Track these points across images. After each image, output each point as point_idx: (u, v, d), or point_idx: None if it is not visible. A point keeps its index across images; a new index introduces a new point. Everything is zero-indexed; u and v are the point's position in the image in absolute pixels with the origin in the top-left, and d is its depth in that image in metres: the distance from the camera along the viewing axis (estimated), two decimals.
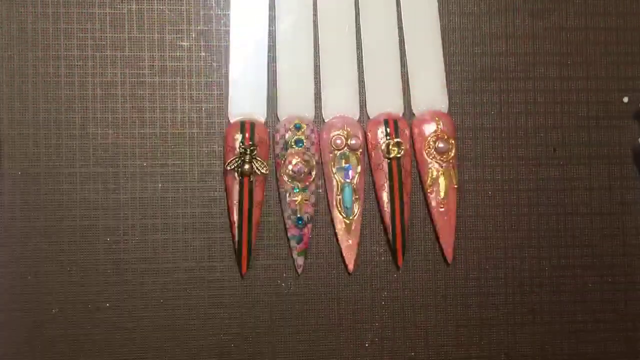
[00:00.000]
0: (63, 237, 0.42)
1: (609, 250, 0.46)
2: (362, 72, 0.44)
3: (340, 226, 0.43)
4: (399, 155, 0.43)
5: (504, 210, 0.45)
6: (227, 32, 0.44)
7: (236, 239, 0.42)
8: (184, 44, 0.43)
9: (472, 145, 0.45)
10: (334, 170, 0.43)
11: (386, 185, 0.43)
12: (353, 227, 0.43)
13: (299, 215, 0.42)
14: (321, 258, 0.44)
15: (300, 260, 0.43)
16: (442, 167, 0.43)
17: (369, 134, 0.43)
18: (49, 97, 0.42)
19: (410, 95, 0.45)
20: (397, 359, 0.44)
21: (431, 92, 0.45)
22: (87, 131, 0.42)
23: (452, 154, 0.43)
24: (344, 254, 0.43)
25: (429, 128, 0.43)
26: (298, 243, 0.43)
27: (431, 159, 0.43)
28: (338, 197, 0.43)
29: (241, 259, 0.42)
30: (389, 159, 0.43)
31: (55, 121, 0.42)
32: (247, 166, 0.41)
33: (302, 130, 0.42)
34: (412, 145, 0.44)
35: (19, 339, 0.42)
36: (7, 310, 0.42)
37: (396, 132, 0.43)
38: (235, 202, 0.42)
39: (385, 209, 0.43)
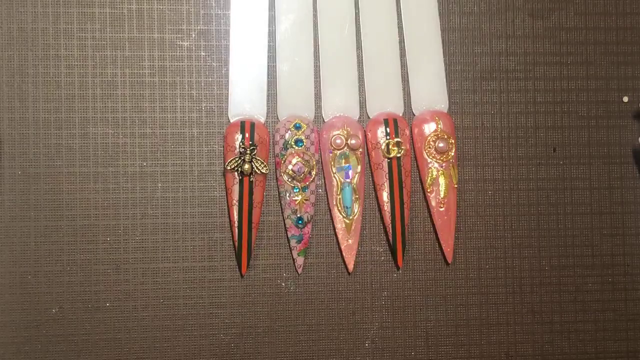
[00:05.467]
0: (63, 237, 0.42)
1: (609, 250, 0.46)
2: (362, 72, 0.44)
3: (340, 226, 0.43)
4: (399, 155, 0.43)
5: (504, 210, 0.45)
6: (227, 32, 0.44)
7: (236, 239, 0.42)
8: (184, 44, 0.43)
9: (472, 145, 0.45)
10: (334, 170, 0.43)
11: (386, 185, 0.43)
12: (353, 227, 0.43)
13: (299, 215, 0.42)
14: (321, 258, 0.44)
15: (300, 260, 0.43)
16: (442, 166, 0.43)
17: (369, 133, 0.43)
18: (49, 97, 0.42)
19: (410, 95, 0.45)
20: (397, 359, 0.44)
21: (431, 92, 0.45)
22: (87, 131, 0.43)
23: (452, 154, 0.43)
24: (344, 254, 0.43)
25: (429, 128, 0.43)
26: (298, 243, 0.43)
27: (431, 158, 0.43)
28: (338, 197, 0.43)
29: (241, 259, 0.42)
30: (389, 158, 0.43)
31: (55, 121, 0.42)
32: (247, 166, 0.41)
33: (302, 130, 0.42)
34: (412, 145, 0.44)
35: (19, 339, 0.42)
36: (7, 310, 0.42)
37: (396, 131, 0.43)
38: (235, 202, 0.42)
39: (385, 208, 0.43)
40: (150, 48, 0.43)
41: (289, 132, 0.42)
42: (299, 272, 0.43)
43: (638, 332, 0.46)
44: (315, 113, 0.44)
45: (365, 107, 0.44)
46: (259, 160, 0.42)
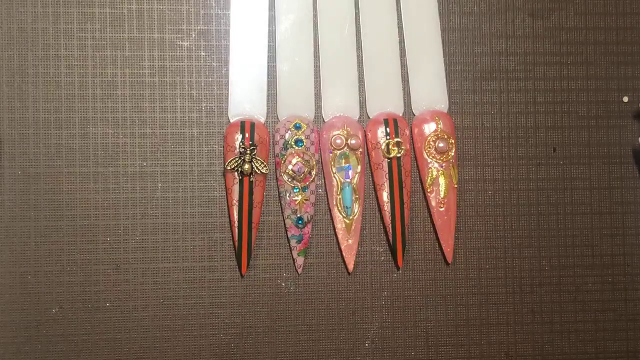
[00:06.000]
0: (63, 237, 0.42)
1: (609, 250, 0.46)
2: (362, 72, 0.44)
3: (340, 226, 0.43)
4: (399, 155, 0.43)
5: (504, 210, 0.45)
6: (227, 32, 0.44)
7: (236, 239, 0.42)
8: (184, 44, 0.43)
9: (472, 145, 0.45)
10: (334, 170, 0.43)
11: (386, 185, 0.43)
12: (353, 227, 0.43)
13: (299, 215, 0.42)
14: (321, 258, 0.44)
15: (300, 260, 0.43)
16: (442, 166, 0.43)
17: (369, 133, 0.43)
18: (49, 97, 0.42)
19: (410, 95, 0.45)
20: (397, 359, 0.44)
21: (431, 92, 0.45)
22: (87, 131, 0.43)
23: (452, 154, 0.43)
24: (344, 254, 0.43)
25: (429, 128, 0.43)
26: (298, 243, 0.43)
27: (431, 158, 0.43)
28: (338, 197, 0.43)
29: (241, 259, 0.42)
30: (389, 158, 0.43)
31: (55, 121, 0.42)
32: (247, 166, 0.41)
33: (302, 130, 0.42)
34: (412, 145, 0.44)
35: (19, 339, 0.42)
36: (7, 310, 0.42)
37: (396, 131, 0.43)
38: (235, 202, 0.42)
39: (385, 208, 0.43)
40: (150, 48, 0.43)
41: (289, 132, 0.42)
42: (299, 272, 0.43)
43: (638, 332, 0.46)
44: (315, 113, 0.44)
45: (365, 107, 0.44)
46: (259, 160, 0.42)
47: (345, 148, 0.43)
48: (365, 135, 0.43)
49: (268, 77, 0.44)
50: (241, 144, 0.42)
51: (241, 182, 0.42)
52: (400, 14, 0.45)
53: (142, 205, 0.43)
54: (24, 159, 0.42)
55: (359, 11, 0.44)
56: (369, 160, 0.43)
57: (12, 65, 0.42)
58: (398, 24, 0.45)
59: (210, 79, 0.43)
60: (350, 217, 0.43)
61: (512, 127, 0.45)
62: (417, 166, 0.44)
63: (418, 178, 0.44)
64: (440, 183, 0.43)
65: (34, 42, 0.42)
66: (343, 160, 0.43)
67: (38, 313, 0.42)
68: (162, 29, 0.43)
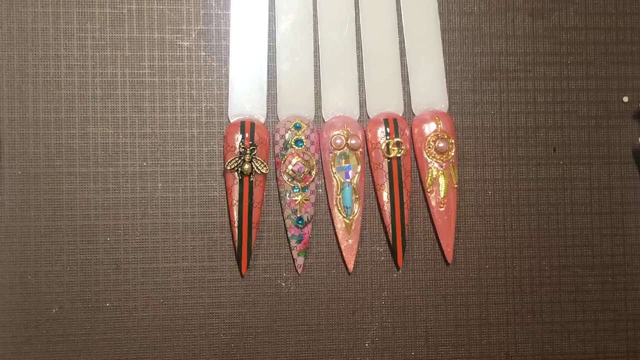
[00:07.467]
0: (63, 237, 0.42)
1: (609, 250, 0.46)
2: (362, 72, 0.44)
3: (340, 226, 0.43)
4: (399, 155, 0.43)
5: (504, 210, 0.45)
6: (227, 32, 0.44)
7: (236, 239, 0.42)
8: (184, 44, 0.43)
9: (472, 145, 0.45)
10: (334, 170, 0.43)
11: (386, 185, 0.43)
12: (353, 227, 0.43)
13: (299, 215, 0.42)
14: (321, 258, 0.44)
15: (300, 260, 0.43)
16: (442, 166, 0.43)
17: (369, 133, 0.43)
18: (49, 97, 0.42)
19: (410, 95, 0.45)
20: (397, 359, 0.44)
21: (431, 92, 0.45)
22: (87, 131, 0.43)
23: (452, 154, 0.43)
24: (344, 254, 0.43)
25: (429, 128, 0.43)
26: (298, 243, 0.43)
27: (431, 158, 0.43)
28: (338, 197, 0.43)
29: (241, 259, 0.42)
30: (389, 158, 0.43)
31: (55, 121, 0.42)
32: (247, 166, 0.41)
33: (302, 130, 0.42)
34: (412, 145, 0.44)
35: (19, 339, 0.42)
36: (7, 310, 0.42)
37: (396, 131, 0.43)
38: (235, 202, 0.42)
39: (385, 208, 0.43)
40: (150, 48, 0.43)
41: (289, 132, 0.42)
42: (299, 272, 0.43)
43: (638, 332, 0.46)
44: (315, 113, 0.44)
45: (365, 107, 0.44)
46: (259, 160, 0.42)
47: (345, 148, 0.43)
48: (365, 135, 0.43)
49: (268, 77, 0.44)
50: (241, 144, 0.42)
51: (241, 182, 0.42)
52: (400, 14, 0.45)
53: (142, 205, 0.43)
54: (24, 159, 0.42)
55: (359, 11, 0.44)
56: (369, 160, 0.43)
57: (12, 65, 0.42)
58: (398, 24, 0.45)
59: (210, 79, 0.43)
60: (350, 217, 0.43)
61: (512, 127, 0.45)
62: (417, 166, 0.44)
63: (418, 178, 0.44)
64: (440, 183, 0.43)
65: (34, 42, 0.42)
66: (343, 160, 0.43)
67: (38, 313, 0.42)
68: (162, 29, 0.43)
